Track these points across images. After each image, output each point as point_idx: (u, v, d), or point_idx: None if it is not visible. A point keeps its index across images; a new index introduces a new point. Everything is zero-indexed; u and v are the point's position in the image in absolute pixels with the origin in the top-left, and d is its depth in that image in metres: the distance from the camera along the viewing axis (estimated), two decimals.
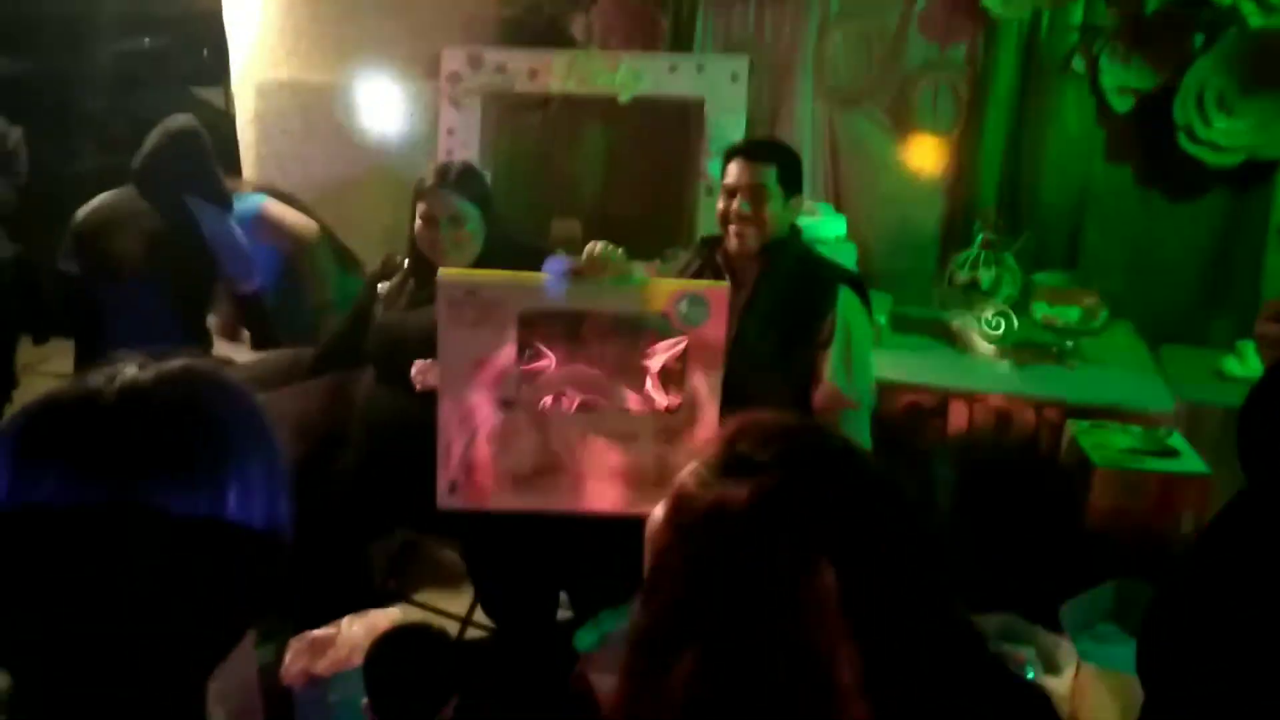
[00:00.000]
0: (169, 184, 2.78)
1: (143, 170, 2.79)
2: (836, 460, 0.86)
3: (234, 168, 3.64)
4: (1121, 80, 2.96)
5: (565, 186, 3.55)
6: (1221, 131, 2.90)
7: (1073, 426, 2.45)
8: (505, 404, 2.00)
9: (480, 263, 2.19)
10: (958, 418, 2.62)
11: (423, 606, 2.60)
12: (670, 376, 2.00)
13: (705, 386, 1.96)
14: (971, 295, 2.95)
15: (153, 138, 2.81)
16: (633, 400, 2.02)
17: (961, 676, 0.84)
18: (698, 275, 2.29)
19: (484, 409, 2.00)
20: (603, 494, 2.03)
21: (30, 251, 3.07)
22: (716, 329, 1.94)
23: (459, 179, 2.22)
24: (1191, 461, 2.26)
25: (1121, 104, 2.99)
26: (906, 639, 0.81)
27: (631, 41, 3.34)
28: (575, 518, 2.11)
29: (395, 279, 2.36)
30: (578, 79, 3.25)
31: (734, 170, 2.23)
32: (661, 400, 2.01)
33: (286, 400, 2.40)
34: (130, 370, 0.78)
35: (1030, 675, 1.97)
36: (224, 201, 2.90)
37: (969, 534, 2.48)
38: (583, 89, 3.26)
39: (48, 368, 3.75)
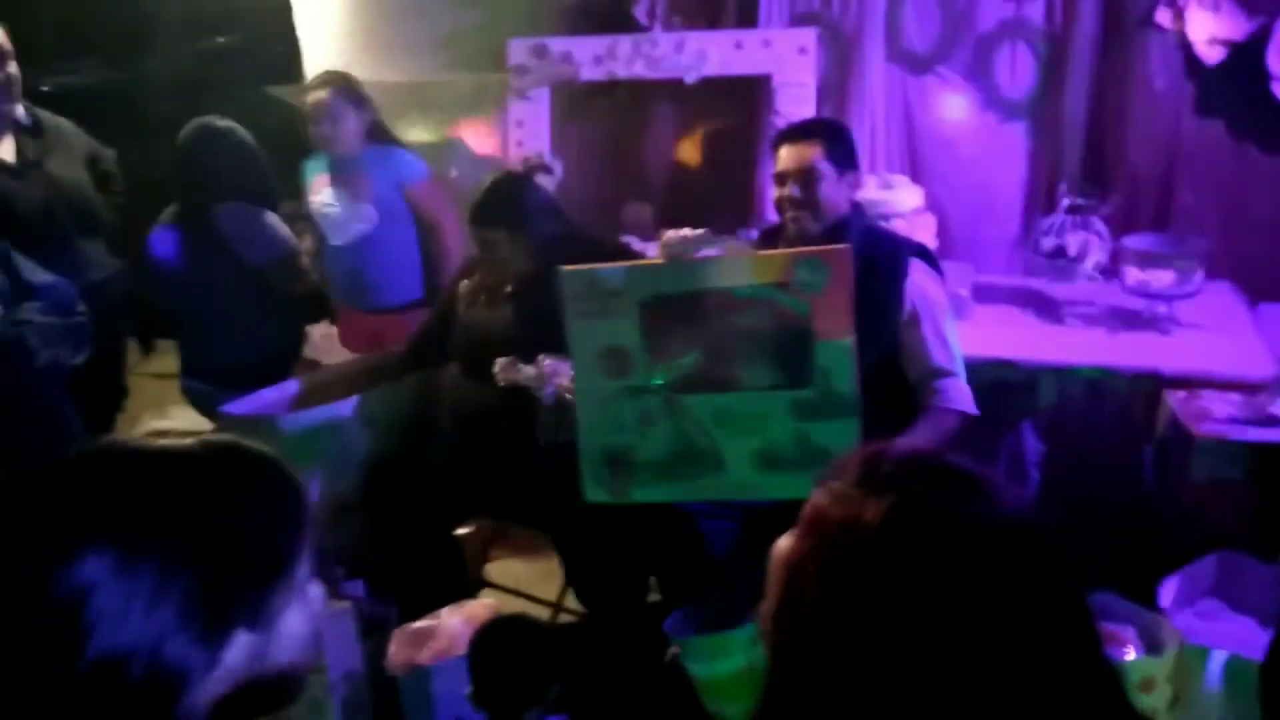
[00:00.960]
0: (191, 198, 2.77)
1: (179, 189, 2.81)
2: (967, 482, 0.88)
3: None
4: (1210, 30, 2.83)
5: (636, 171, 3.55)
6: None
7: (1170, 396, 2.37)
8: (636, 391, 2.01)
9: (536, 266, 2.21)
10: (1048, 390, 2.56)
11: (515, 593, 2.66)
12: (796, 348, 1.94)
13: (836, 356, 1.90)
14: (1059, 262, 2.87)
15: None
16: (765, 377, 1.98)
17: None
18: None
19: (617, 397, 2.02)
20: (744, 478, 2.01)
21: (129, 262, 3.19)
22: (839, 294, 1.88)
23: (481, 210, 2.28)
24: None
25: (1211, 55, 2.86)
26: (1038, 664, 0.81)
27: (696, 20, 3.31)
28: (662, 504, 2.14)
29: (474, 278, 2.41)
30: (644, 62, 3.24)
31: (782, 156, 2.21)
32: (791, 374, 1.96)
33: (377, 400, 2.49)
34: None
35: (1131, 656, 1.93)
36: (261, 199, 2.83)
37: (1063, 510, 2.43)
38: (649, 72, 3.24)
39: (147, 368, 3.93)
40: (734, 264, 1.95)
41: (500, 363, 2.20)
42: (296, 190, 3.29)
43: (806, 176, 2.17)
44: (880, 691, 0.81)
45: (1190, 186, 2.98)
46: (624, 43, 3.25)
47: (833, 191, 2.19)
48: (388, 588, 2.27)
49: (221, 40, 6.93)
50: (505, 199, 2.30)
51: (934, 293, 2.20)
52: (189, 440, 0.86)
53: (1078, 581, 0.86)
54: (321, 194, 3.00)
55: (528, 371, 2.17)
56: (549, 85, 3.35)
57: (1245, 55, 2.81)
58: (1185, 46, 2.87)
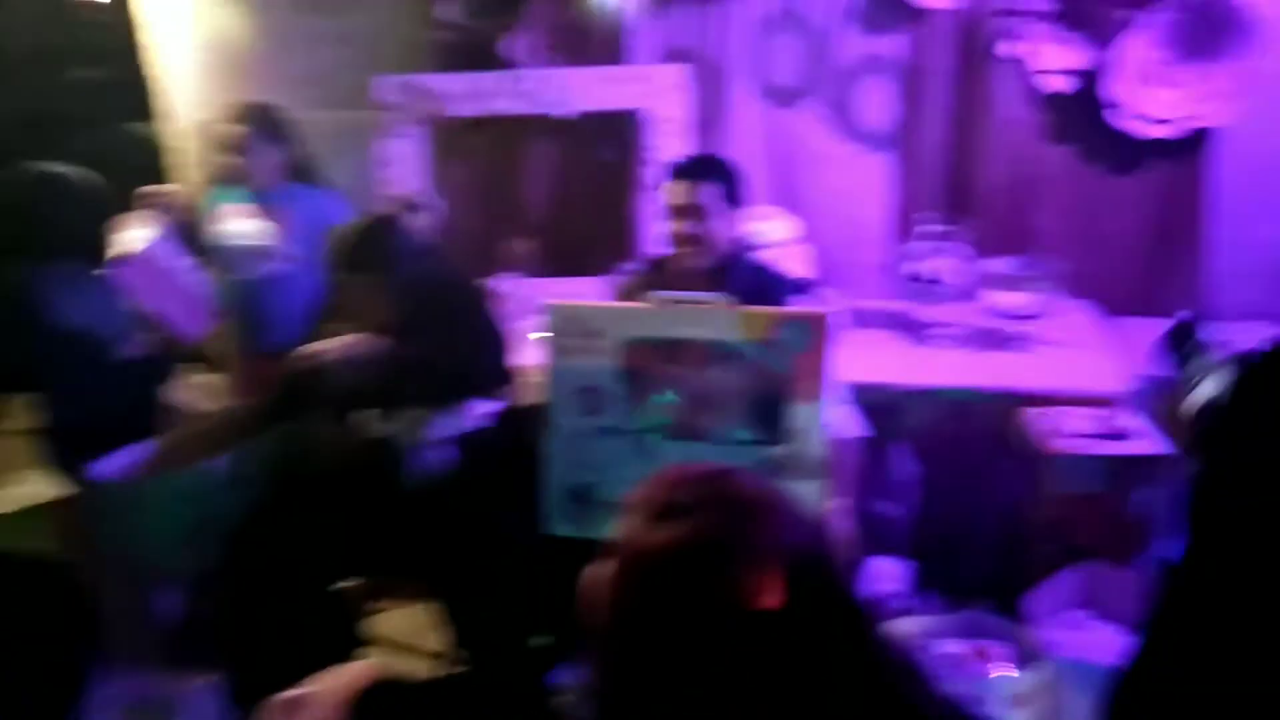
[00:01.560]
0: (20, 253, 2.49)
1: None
2: (757, 500, 0.93)
3: None
4: (1053, 61, 2.99)
5: (516, 207, 3.53)
6: (1154, 104, 2.93)
7: (1030, 413, 2.47)
8: (608, 431, 2.01)
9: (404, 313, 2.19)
10: (919, 412, 2.65)
11: (401, 647, 2.58)
12: (771, 407, 1.96)
13: (809, 417, 1.93)
14: (924, 286, 2.97)
15: None
16: (735, 431, 1.99)
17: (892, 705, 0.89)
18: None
19: (588, 436, 2.02)
20: None
21: None
22: (818, 357, 1.91)
23: (344, 256, 2.22)
24: (1145, 442, 2.29)
25: (1057, 84, 3.02)
26: (832, 667, 0.87)
27: (566, 57, 3.32)
28: (551, 551, 2.12)
29: (342, 324, 2.35)
30: (518, 98, 3.24)
31: (673, 190, 2.24)
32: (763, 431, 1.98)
33: (246, 455, 2.38)
34: None
35: (1003, 671, 2.00)
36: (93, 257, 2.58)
37: (936, 528, 2.51)
38: (523, 108, 3.24)
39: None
40: (720, 316, 1.96)
41: (366, 414, 2.15)
42: None
43: (697, 213, 2.21)
44: (683, 709, 0.85)
45: (1044, 210, 3.14)
46: (496, 79, 3.24)
47: (722, 228, 2.23)
48: (260, 659, 2.17)
49: (77, 75, 6.65)
50: (371, 244, 2.24)
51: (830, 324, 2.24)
52: None
53: (863, 605, 0.91)
54: (229, 225, 2.91)
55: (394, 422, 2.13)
56: (421, 122, 3.31)
57: (1089, 84, 2.98)
58: (1032, 76, 3.03)
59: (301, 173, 2.98)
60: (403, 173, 3.33)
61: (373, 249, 2.24)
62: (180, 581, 2.22)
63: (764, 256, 2.63)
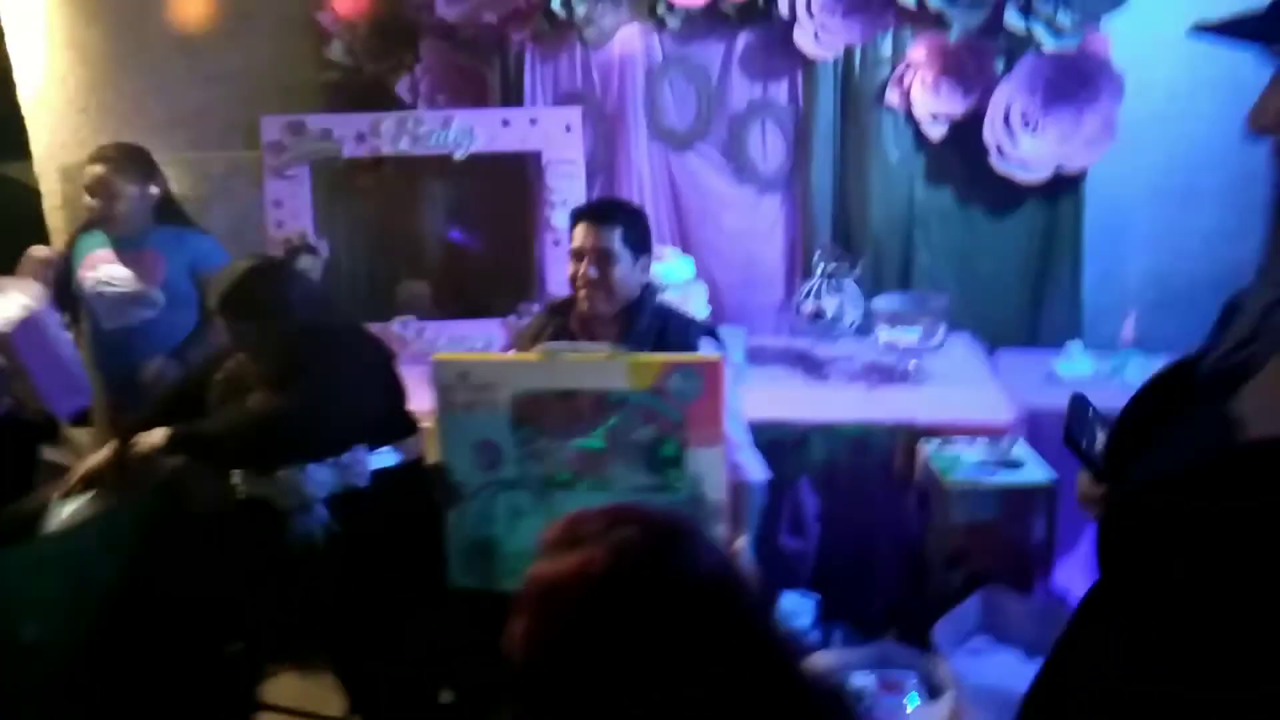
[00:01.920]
0: None
1: None
2: (656, 526, 0.96)
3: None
4: (932, 108, 3.12)
5: (409, 249, 3.47)
6: (1028, 148, 3.09)
7: (925, 446, 2.54)
8: (507, 484, 1.99)
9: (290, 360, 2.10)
10: (819, 447, 2.68)
11: (295, 713, 2.45)
12: (668, 454, 1.95)
13: (707, 463, 1.93)
14: (819, 323, 3.04)
15: None
16: (636, 480, 1.97)
17: None
18: (553, 339, 2.26)
19: (487, 490, 2.00)
20: None
21: None
22: (712, 403, 1.90)
23: (227, 300, 2.09)
24: (1035, 471, 2.38)
25: (935, 130, 3.15)
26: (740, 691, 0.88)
27: (460, 98, 3.30)
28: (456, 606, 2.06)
29: (226, 371, 2.25)
30: (409, 140, 3.19)
31: (579, 234, 2.22)
32: (662, 479, 1.96)
33: (112, 516, 2.22)
34: None
35: (912, 702, 2.02)
36: None
37: (840, 561, 2.54)
38: (416, 149, 3.20)
39: None
40: (609, 367, 1.94)
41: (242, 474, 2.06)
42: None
43: (602, 257, 2.18)
44: None
45: (927, 248, 3.25)
46: (388, 120, 3.18)
47: (627, 274, 2.21)
48: None
49: None
50: (256, 288, 2.13)
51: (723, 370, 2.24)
52: None
53: (769, 630, 0.93)
54: (99, 271, 2.76)
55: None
56: (308, 163, 3.23)
57: (964, 129, 3.12)
58: (912, 122, 3.15)
59: (171, 215, 2.87)
60: (289, 214, 3.22)
61: (255, 293, 2.13)
62: (55, 652, 2.05)
63: (670, 299, 2.64)
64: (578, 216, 2.27)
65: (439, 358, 2.01)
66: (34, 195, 3.53)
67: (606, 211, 2.28)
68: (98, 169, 2.75)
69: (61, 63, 3.29)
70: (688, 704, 0.86)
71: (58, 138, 3.34)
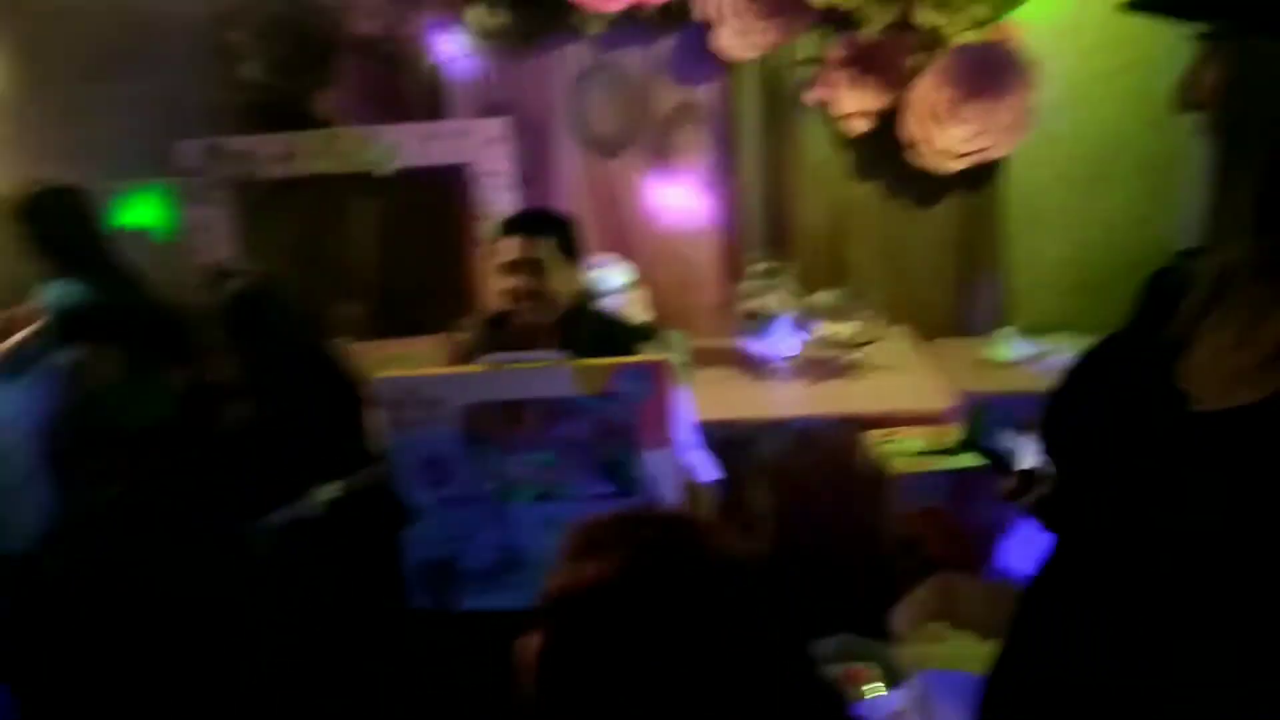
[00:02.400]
0: None
1: None
2: (674, 528, 0.94)
3: None
4: (853, 105, 3.18)
5: (338, 269, 3.40)
6: (947, 140, 3.16)
7: (869, 438, 2.57)
8: (460, 500, 1.95)
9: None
10: (767, 444, 2.70)
11: None
12: (621, 458, 1.94)
13: (659, 464, 1.92)
14: (758, 322, 3.06)
15: None
16: (592, 487, 1.95)
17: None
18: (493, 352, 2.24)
19: (440, 507, 1.96)
20: None
21: None
22: (660, 404, 1.90)
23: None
24: (976, 456, 2.43)
25: (857, 126, 3.21)
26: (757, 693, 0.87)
27: (383, 114, 3.25)
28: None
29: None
30: (332, 158, 3.13)
31: (510, 246, 2.20)
32: (616, 484, 1.96)
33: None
34: None
35: (875, 692, 2.05)
36: None
37: (798, 557, 2.56)
38: (340, 167, 3.14)
39: None
40: (556, 373, 1.92)
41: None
42: None
43: (536, 268, 2.17)
44: None
45: (857, 244, 3.31)
46: (309, 138, 3.12)
47: (563, 281, 2.21)
48: None
49: None
50: (239, 313, 2.09)
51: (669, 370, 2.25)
52: None
53: (785, 619, 0.93)
54: None
55: None
56: (229, 186, 3.14)
57: (885, 125, 3.18)
58: (835, 119, 3.20)
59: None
60: (210, 239, 3.14)
61: (240, 318, 2.08)
62: None
63: (607, 305, 2.64)
64: (507, 229, 2.24)
65: (383, 375, 1.97)
66: None
67: (534, 221, 2.26)
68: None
69: None
70: (710, 704, 0.85)
71: None
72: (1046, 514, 1.32)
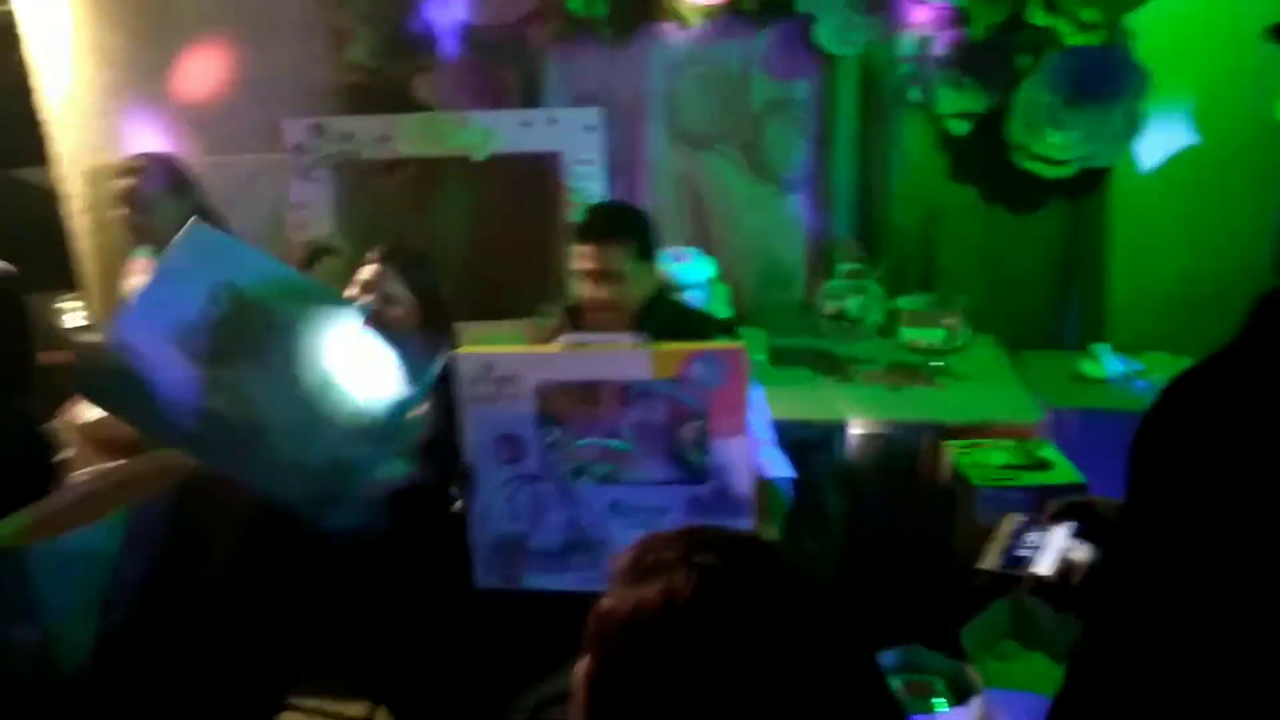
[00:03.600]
0: None
1: None
2: (737, 549, 0.90)
3: (66, 255, 3.42)
4: (955, 105, 3.10)
5: (430, 250, 3.46)
6: (1053, 145, 3.06)
7: (950, 447, 2.51)
8: (530, 478, 1.98)
9: None
10: (839, 448, 2.66)
11: (323, 715, 2.46)
12: (694, 444, 1.93)
13: (731, 454, 1.91)
14: (841, 323, 3.02)
15: None
16: (660, 472, 1.95)
17: None
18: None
19: (511, 484, 1.99)
20: None
21: None
22: (735, 391, 1.89)
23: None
24: (1065, 472, 2.35)
25: (958, 127, 3.12)
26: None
27: (480, 99, 3.29)
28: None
29: None
30: (429, 141, 3.19)
31: (587, 254, 2.18)
32: (687, 471, 1.95)
33: (143, 514, 2.22)
34: None
35: (942, 707, 2.00)
36: None
37: (865, 564, 2.52)
38: (436, 150, 3.20)
39: None
40: (632, 356, 1.93)
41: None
42: (54, 281, 3.01)
43: (614, 278, 2.16)
44: None
45: (950, 248, 3.23)
46: (409, 121, 3.19)
47: (640, 285, 2.21)
48: None
49: None
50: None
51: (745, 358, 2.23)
52: None
53: (855, 635, 0.90)
54: (138, 281, 2.76)
55: None
56: (330, 165, 3.24)
57: (988, 126, 3.09)
58: (935, 120, 3.13)
59: (208, 220, 2.88)
60: (312, 216, 3.24)
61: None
62: (80, 651, 2.06)
63: (686, 296, 2.63)
64: (583, 234, 2.21)
65: (462, 350, 2.01)
66: (53, 199, 3.55)
67: (612, 228, 2.21)
68: (128, 181, 2.75)
69: (87, 67, 3.31)
70: None
71: (84, 142, 3.35)
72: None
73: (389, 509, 2.13)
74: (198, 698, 2.14)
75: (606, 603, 0.88)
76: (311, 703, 2.50)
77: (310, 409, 1.98)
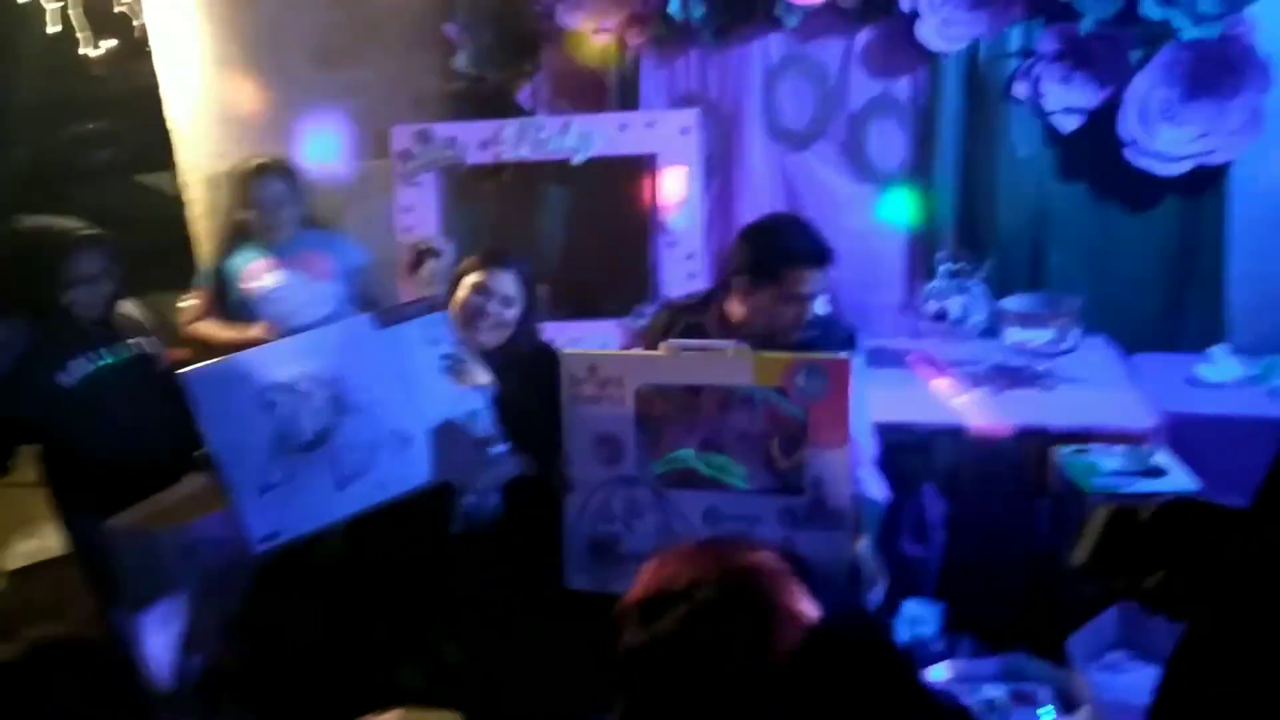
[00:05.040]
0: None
1: None
2: (745, 567, 0.90)
3: (189, 257, 3.59)
4: (1064, 101, 3.01)
5: (528, 252, 3.51)
6: (1167, 142, 2.95)
7: (1058, 452, 2.45)
8: (627, 480, 2.00)
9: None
10: (943, 451, 2.62)
11: (421, 701, 2.52)
12: (792, 455, 1.92)
13: (830, 466, 1.88)
14: (942, 325, 2.96)
15: None
16: (757, 480, 1.95)
17: None
18: (684, 336, 2.26)
19: (607, 486, 2.01)
20: None
21: None
22: (838, 403, 1.87)
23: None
24: (1180, 479, 2.27)
25: (1067, 124, 3.04)
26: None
27: (579, 104, 3.35)
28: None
29: None
30: (529, 145, 3.26)
31: (804, 278, 2.12)
32: (783, 480, 1.93)
33: None
34: None
35: (1047, 715, 1.95)
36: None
37: (966, 569, 2.47)
38: (536, 155, 3.26)
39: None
40: (735, 363, 1.93)
41: None
42: (176, 281, 3.16)
43: (819, 298, 2.15)
44: None
45: (1059, 247, 3.14)
46: (509, 127, 3.26)
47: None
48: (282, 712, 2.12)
49: (90, 127, 6.70)
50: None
51: (860, 375, 2.18)
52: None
53: (900, 652, 0.89)
54: (265, 280, 2.89)
55: None
56: (435, 170, 3.33)
57: (1098, 123, 2.99)
58: (1043, 116, 3.05)
59: (312, 220, 3.00)
60: (417, 219, 3.33)
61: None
62: (201, 634, 2.17)
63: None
64: (799, 262, 2.12)
65: (568, 352, 2.04)
66: (177, 204, 3.74)
67: (824, 253, 2.15)
68: (272, 182, 2.88)
69: (207, 77, 3.47)
70: None
71: (203, 149, 3.53)
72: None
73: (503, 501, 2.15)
74: (310, 675, 2.22)
75: (624, 639, 0.89)
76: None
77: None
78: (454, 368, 2.03)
